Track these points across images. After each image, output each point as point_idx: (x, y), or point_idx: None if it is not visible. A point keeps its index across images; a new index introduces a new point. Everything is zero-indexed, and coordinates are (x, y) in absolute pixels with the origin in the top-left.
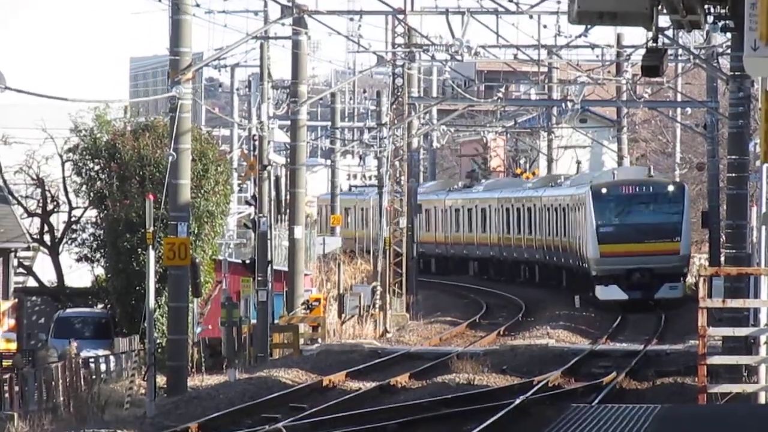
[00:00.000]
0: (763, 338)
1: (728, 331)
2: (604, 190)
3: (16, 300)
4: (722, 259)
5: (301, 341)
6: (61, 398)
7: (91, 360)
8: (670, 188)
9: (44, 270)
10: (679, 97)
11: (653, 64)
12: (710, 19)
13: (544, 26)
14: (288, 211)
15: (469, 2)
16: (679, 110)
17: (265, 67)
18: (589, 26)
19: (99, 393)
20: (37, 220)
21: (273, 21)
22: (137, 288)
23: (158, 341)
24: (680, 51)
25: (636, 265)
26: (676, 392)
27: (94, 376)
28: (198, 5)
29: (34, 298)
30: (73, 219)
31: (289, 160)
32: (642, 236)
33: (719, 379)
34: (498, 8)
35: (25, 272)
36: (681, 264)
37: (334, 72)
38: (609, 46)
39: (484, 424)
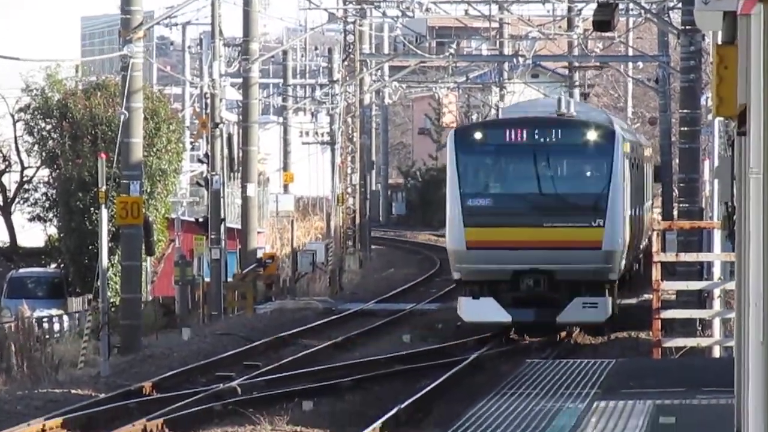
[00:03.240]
0: (716, 292)
1: (682, 285)
2: (476, 136)
3: None
4: (675, 213)
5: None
6: (14, 359)
7: (45, 320)
8: (590, 135)
9: None
10: (630, 52)
11: (604, 18)
12: None
13: None
14: (241, 168)
15: None
16: (630, 65)
17: (217, 25)
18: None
19: (53, 353)
20: None
21: None
22: (90, 247)
23: (111, 300)
24: (631, 5)
25: (527, 265)
26: (630, 347)
27: (47, 336)
28: None
29: None
30: (25, 179)
31: (241, 117)
32: (538, 216)
33: (673, 334)
34: None
35: None
36: (605, 266)
37: (285, 29)
38: (560, 1)
39: (439, 380)
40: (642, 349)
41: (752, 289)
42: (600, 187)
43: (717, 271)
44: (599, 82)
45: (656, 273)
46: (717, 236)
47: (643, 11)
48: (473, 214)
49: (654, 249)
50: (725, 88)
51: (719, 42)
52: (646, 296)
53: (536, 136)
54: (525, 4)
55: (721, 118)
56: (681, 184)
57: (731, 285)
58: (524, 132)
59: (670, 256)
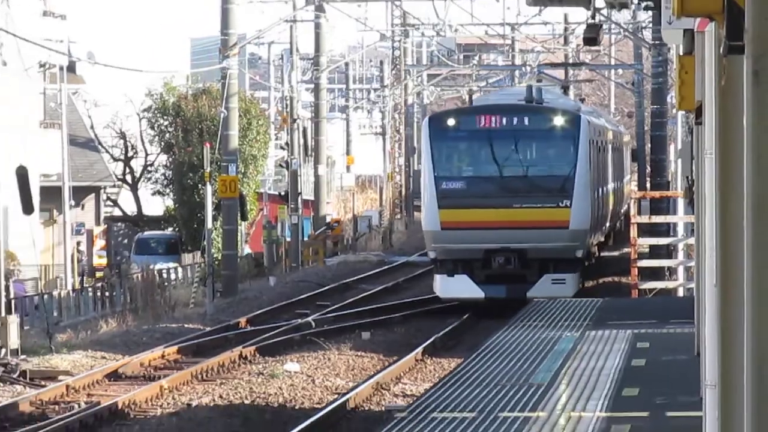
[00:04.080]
0: (680, 246)
1: (653, 241)
2: (449, 122)
3: (106, 226)
4: (648, 185)
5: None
6: (141, 302)
7: (164, 271)
8: (557, 120)
9: (127, 202)
10: (612, 62)
11: (592, 36)
12: (636, 0)
13: (508, 8)
14: (313, 153)
15: None
16: (612, 71)
17: (294, 44)
18: (542, 7)
19: (170, 297)
20: (120, 164)
21: (299, 8)
22: (198, 215)
23: (215, 256)
24: (613, 26)
25: (498, 244)
26: (614, 289)
27: (165, 284)
28: None
29: (119, 224)
30: (148, 163)
31: (313, 114)
32: (508, 198)
33: (647, 278)
34: None
35: (112, 204)
36: (572, 244)
37: (347, 47)
38: (558, 23)
39: (464, 317)
40: (623, 290)
41: (707, 243)
42: (566, 169)
43: (680, 229)
44: (589, 85)
45: (633, 231)
46: (680, 203)
47: (622, 30)
48: (447, 196)
49: (632, 213)
50: (686, 88)
51: (681, 53)
52: (625, 249)
53: (506, 122)
54: (531, 25)
55: (683, 112)
56: (652, 163)
57: (691, 240)
58: (494, 118)
59: (644, 218)
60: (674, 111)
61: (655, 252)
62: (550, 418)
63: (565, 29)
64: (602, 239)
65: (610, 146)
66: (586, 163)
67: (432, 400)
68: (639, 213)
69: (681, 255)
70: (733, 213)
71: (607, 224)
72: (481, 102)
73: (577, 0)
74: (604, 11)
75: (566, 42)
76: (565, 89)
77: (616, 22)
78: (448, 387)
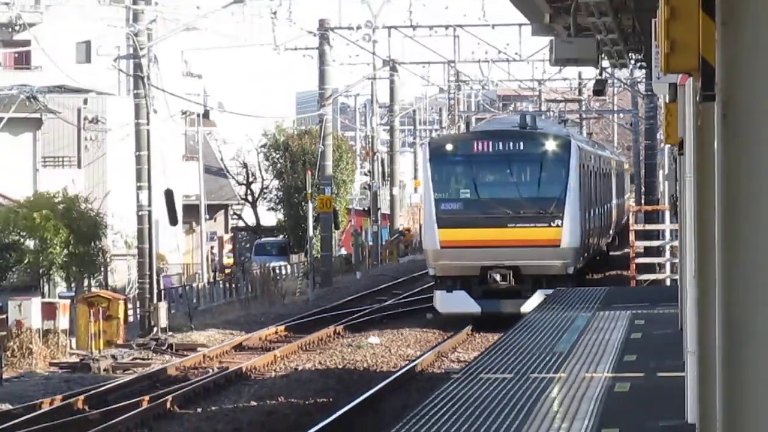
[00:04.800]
0: (667, 247)
1: (647, 243)
2: (448, 147)
3: (232, 234)
4: (643, 201)
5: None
6: (259, 291)
7: (276, 268)
8: (549, 145)
9: (248, 216)
10: (615, 107)
11: (600, 88)
12: (632, 62)
13: (536, 68)
14: (389, 178)
15: (491, 54)
16: (615, 115)
17: (374, 96)
18: (561, 67)
19: (281, 287)
20: (243, 188)
21: (378, 69)
22: (302, 225)
23: (315, 256)
24: (616, 81)
25: (494, 262)
26: (617, 280)
27: (278, 278)
28: (334, 60)
29: (242, 232)
30: (264, 186)
31: (389, 149)
32: (503, 218)
33: (642, 272)
34: (509, 58)
35: (237, 217)
36: (563, 261)
37: (414, 97)
38: (574, 78)
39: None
40: (624, 281)
41: (687, 244)
42: (558, 191)
43: (667, 234)
44: (597, 125)
45: (632, 236)
46: (667, 214)
47: (622, 83)
48: (445, 217)
49: (631, 221)
50: (671, 128)
51: (667, 101)
52: (626, 249)
53: (500, 147)
54: (554, 80)
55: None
56: (646, 185)
57: (676, 243)
58: (490, 143)
59: (640, 226)
60: (662, 145)
61: (648, 251)
62: (568, 378)
63: (579, 83)
64: (600, 250)
65: (607, 170)
66: (576, 185)
67: (480, 365)
68: (636, 222)
69: (668, 254)
70: (707, 222)
71: (601, 239)
72: (479, 129)
73: (588, 61)
74: (609, 69)
75: (580, 93)
76: (565, 122)
77: (617, 78)
78: (491, 354)
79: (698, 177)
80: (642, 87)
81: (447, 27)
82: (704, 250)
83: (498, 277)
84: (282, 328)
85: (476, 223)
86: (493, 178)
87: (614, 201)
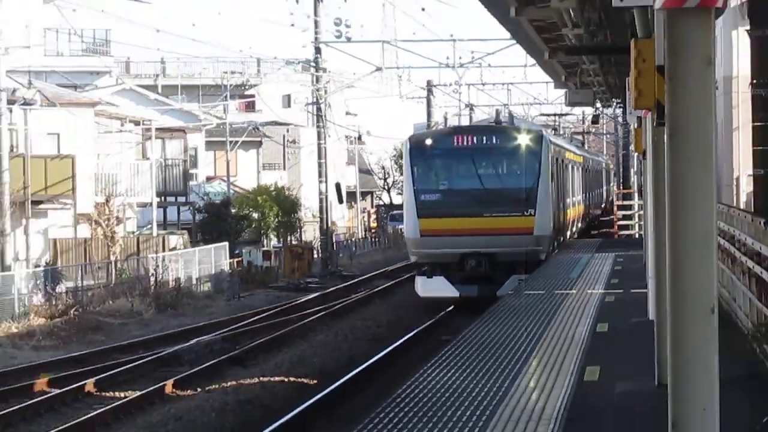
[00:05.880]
0: (635, 214)
1: (624, 212)
2: (427, 142)
3: (376, 208)
4: (621, 187)
5: None
6: (392, 244)
7: (401, 229)
8: (522, 139)
9: (385, 198)
10: (605, 129)
11: (595, 120)
12: (615, 103)
13: (557, 107)
14: None
15: (530, 99)
16: (605, 136)
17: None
18: (572, 107)
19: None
20: (382, 181)
21: (462, 110)
22: None
23: None
24: (605, 115)
25: (471, 249)
26: (607, 235)
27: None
28: (436, 104)
29: (382, 207)
30: (395, 180)
31: None
32: (480, 208)
33: (621, 229)
34: (541, 102)
35: (379, 199)
36: (536, 248)
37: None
38: (580, 113)
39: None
40: (611, 235)
41: (649, 211)
42: (531, 182)
43: (635, 206)
44: (594, 140)
45: (616, 208)
46: (636, 195)
47: (609, 117)
48: (425, 207)
49: (615, 199)
50: (638, 143)
51: (635, 126)
52: (611, 216)
53: (477, 141)
54: (569, 115)
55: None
56: (623, 178)
57: (641, 211)
58: (467, 138)
59: (620, 202)
60: (633, 153)
61: (624, 217)
62: (578, 293)
63: (583, 113)
64: (590, 223)
65: (588, 166)
66: (548, 176)
67: (525, 287)
68: (617, 199)
69: (636, 218)
70: (659, 198)
71: (581, 223)
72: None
73: (588, 103)
74: (600, 108)
75: (584, 122)
76: (555, 130)
77: (606, 113)
78: (530, 280)
79: (654, 172)
80: (620, 118)
81: (504, 84)
82: (658, 215)
83: (475, 263)
84: (403, 264)
85: (454, 212)
86: (470, 170)
87: (598, 189)
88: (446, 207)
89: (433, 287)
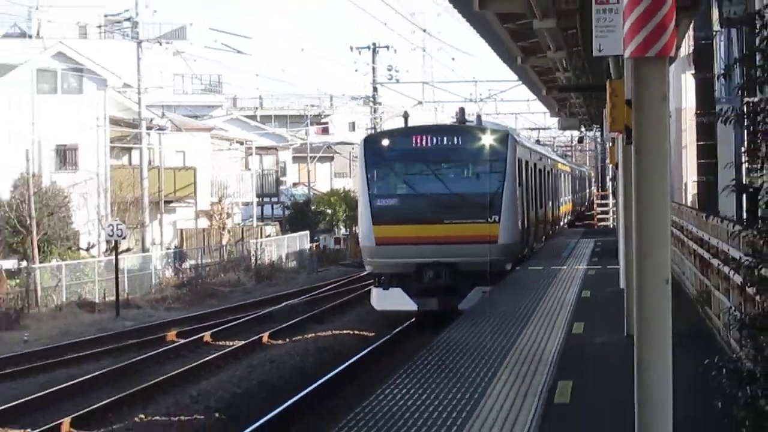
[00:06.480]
0: (610, 210)
1: (602, 208)
2: (384, 143)
3: None
4: (599, 190)
5: None
6: None
7: None
8: (485, 140)
9: None
10: (588, 147)
11: (580, 140)
12: (596, 127)
13: (552, 130)
14: None
15: (520, 124)
16: (588, 151)
17: None
18: (563, 130)
19: None
20: None
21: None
22: None
23: None
24: (587, 135)
25: (430, 259)
26: (588, 226)
27: None
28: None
29: None
30: None
31: None
32: (439, 214)
33: (600, 221)
34: (540, 128)
35: None
36: (500, 257)
37: None
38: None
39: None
40: (591, 226)
41: (619, 208)
42: (495, 186)
43: (610, 204)
44: (580, 155)
45: (596, 205)
46: (611, 196)
47: (593, 137)
48: (381, 213)
49: (595, 198)
50: (612, 156)
51: (610, 145)
52: (592, 212)
53: (436, 142)
54: (561, 136)
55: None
56: (600, 182)
57: (614, 208)
58: (425, 138)
59: (598, 201)
60: (609, 164)
61: (602, 212)
62: (568, 269)
63: (572, 136)
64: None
65: (574, 174)
66: (514, 180)
67: (527, 264)
68: (597, 199)
69: (611, 213)
70: (628, 198)
71: (555, 226)
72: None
73: (575, 128)
74: (584, 131)
75: (572, 141)
76: (537, 141)
77: (588, 135)
78: (532, 259)
79: (624, 178)
80: (599, 139)
81: (513, 113)
82: (627, 210)
83: (434, 274)
84: None
85: (412, 219)
86: (429, 173)
87: (582, 192)
88: (403, 213)
89: (389, 300)
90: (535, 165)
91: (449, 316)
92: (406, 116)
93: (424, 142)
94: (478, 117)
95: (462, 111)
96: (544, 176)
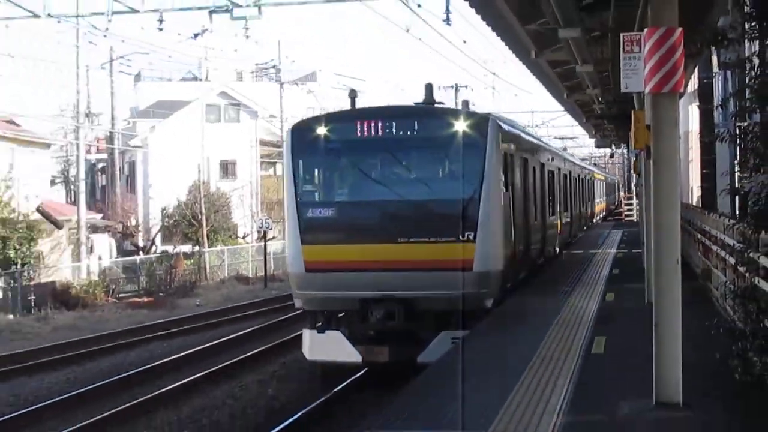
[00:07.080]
0: (635, 207)
1: (629, 207)
2: (318, 131)
3: None
4: (626, 192)
5: None
6: None
7: None
8: (457, 126)
9: None
10: (617, 160)
11: (612, 156)
12: (623, 145)
13: (590, 146)
14: None
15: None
16: (618, 164)
17: None
18: (598, 148)
19: None
20: None
21: None
22: None
23: None
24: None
25: (378, 292)
26: (617, 220)
27: None
28: None
29: None
30: None
31: None
32: (393, 230)
33: (627, 216)
34: (572, 137)
35: None
36: (477, 291)
37: None
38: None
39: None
40: (620, 220)
41: (643, 206)
42: (470, 190)
43: (635, 203)
44: (612, 165)
45: (623, 204)
46: (635, 197)
47: (620, 152)
48: (313, 229)
49: (623, 199)
50: (636, 166)
51: (635, 158)
52: (621, 209)
53: (391, 131)
54: (598, 150)
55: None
56: (627, 188)
57: (638, 207)
58: (376, 125)
59: (625, 201)
60: (633, 174)
61: (628, 210)
62: (602, 252)
63: (605, 152)
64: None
65: (607, 181)
66: (497, 180)
67: (571, 248)
68: (624, 200)
69: (635, 210)
70: (648, 200)
71: (602, 214)
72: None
73: (608, 146)
74: (614, 148)
75: (605, 156)
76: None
77: (617, 151)
78: (574, 245)
79: (645, 184)
80: (626, 154)
81: (561, 138)
82: (647, 208)
83: (383, 314)
84: None
85: (354, 237)
86: (379, 174)
87: (613, 194)
88: (343, 229)
89: (325, 347)
90: (543, 165)
91: (407, 369)
92: (352, 95)
93: (373, 131)
94: (465, 103)
95: (429, 87)
96: (560, 180)
